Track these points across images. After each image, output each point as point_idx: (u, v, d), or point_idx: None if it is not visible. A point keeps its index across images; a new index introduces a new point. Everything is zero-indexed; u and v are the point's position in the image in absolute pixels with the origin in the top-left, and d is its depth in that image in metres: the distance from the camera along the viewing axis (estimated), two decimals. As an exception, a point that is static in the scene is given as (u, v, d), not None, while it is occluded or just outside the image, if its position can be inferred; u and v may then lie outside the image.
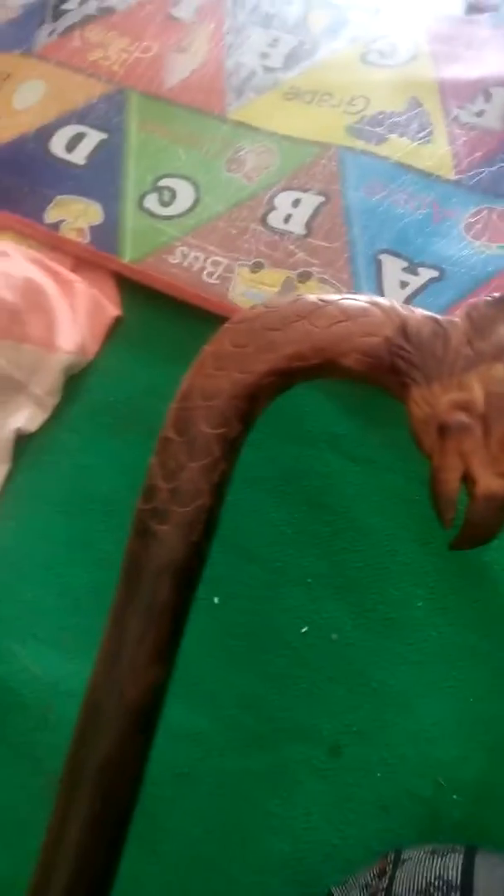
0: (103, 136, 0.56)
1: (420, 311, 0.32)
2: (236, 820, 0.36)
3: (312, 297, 0.32)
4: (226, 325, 0.31)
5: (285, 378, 0.30)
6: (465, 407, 0.30)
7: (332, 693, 0.38)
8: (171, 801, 0.37)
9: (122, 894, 0.28)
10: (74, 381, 0.48)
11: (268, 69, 0.58)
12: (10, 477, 0.46)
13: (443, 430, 0.30)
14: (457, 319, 0.32)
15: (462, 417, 0.30)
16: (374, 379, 0.32)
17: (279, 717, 0.37)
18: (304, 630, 0.39)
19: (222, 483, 0.29)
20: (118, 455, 0.46)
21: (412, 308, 0.32)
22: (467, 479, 0.31)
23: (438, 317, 0.32)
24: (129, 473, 0.45)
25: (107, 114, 0.57)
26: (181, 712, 0.37)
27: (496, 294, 0.33)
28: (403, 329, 0.30)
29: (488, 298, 0.32)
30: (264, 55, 0.59)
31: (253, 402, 0.30)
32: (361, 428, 0.46)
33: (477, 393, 0.30)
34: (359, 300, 0.32)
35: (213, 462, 0.28)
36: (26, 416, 0.46)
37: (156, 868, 0.35)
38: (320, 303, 0.31)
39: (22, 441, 0.46)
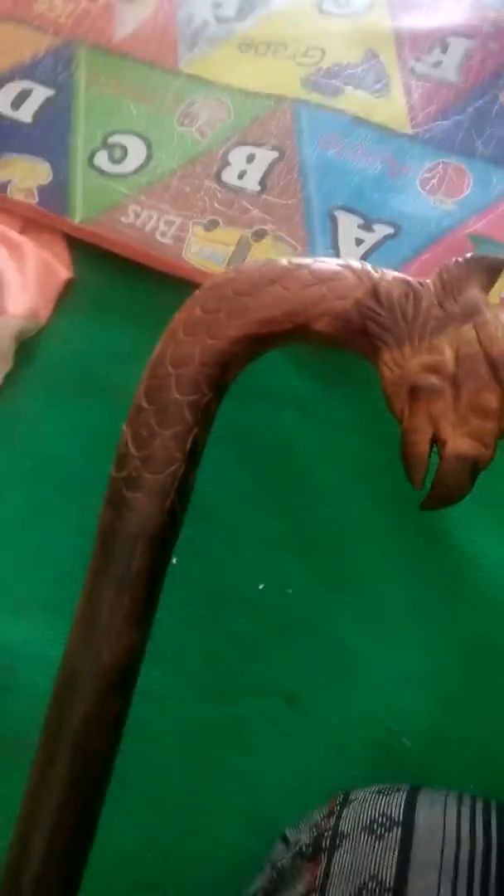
0: (50, 92, 0.54)
1: (392, 273, 0.32)
2: (197, 771, 0.37)
3: (284, 261, 0.31)
4: (196, 291, 0.31)
5: (257, 344, 0.30)
6: (436, 369, 0.30)
7: (289, 647, 0.38)
8: (134, 756, 0.37)
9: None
10: (27, 347, 0.47)
11: (221, 19, 0.56)
12: (-36, 444, 0.45)
13: (413, 392, 0.31)
14: (428, 281, 0.32)
15: (432, 379, 0.30)
16: (346, 342, 0.32)
17: (237, 671, 0.38)
18: (261, 587, 0.40)
19: (195, 450, 0.29)
20: (74, 419, 0.46)
21: (384, 270, 0.32)
22: (437, 441, 0.31)
23: (410, 279, 0.32)
24: (87, 437, 0.46)
25: (54, 68, 0.55)
26: (142, 669, 0.37)
27: (469, 254, 0.33)
28: (375, 291, 0.30)
29: (459, 259, 0.32)
30: (217, 4, 0.57)
31: (224, 369, 0.30)
32: (321, 388, 0.46)
33: (447, 355, 0.30)
34: (330, 263, 0.32)
35: (185, 429, 0.28)
36: (-21, 383, 0.46)
37: (122, 819, 0.36)
38: (291, 266, 0.31)
39: (-25, 408, 0.46)
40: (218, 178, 0.49)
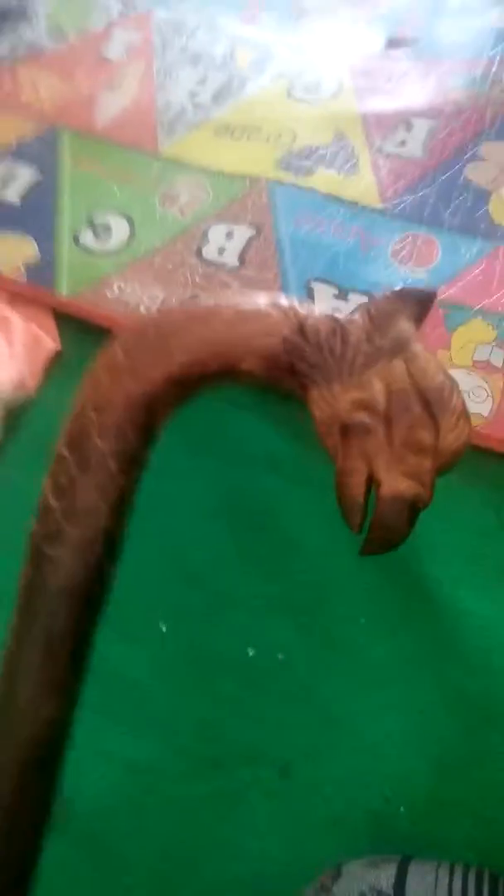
0: (37, 174, 0.56)
1: (319, 311, 0.31)
2: (191, 845, 0.36)
3: (209, 301, 0.30)
4: (118, 334, 0.29)
5: (183, 386, 0.29)
6: (367, 406, 0.29)
7: (281, 713, 0.38)
8: (126, 834, 0.37)
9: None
10: (16, 418, 0.48)
11: (197, 106, 0.60)
12: (-48, 516, 0.45)
13: (344, 430, 0.30)
14: (356, 317, 0.31)
15: (363, 417, 0.29)
16: (275, 381, 0.31)
17: (229, 740, 0.38)
18: (251, 653, 0.40)
19: (122, 501, 0.27)
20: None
21: (311, 307, 0.31)
22: (373, 481, 0.30)
23: (338, 316, 0.31)
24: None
25: (40, 152, 0.58)
26: (131, 742, 0.37)
27: (397, 287, 0.32)
28: (301, 329, 0.29)
29: (387, 293, 0.32)
30: (193, 93, 0.60)
31: (150, 414, 0.28)
32: (299, 449, 0.47)
33: (378, 391, 0.29)
34: (256, 302, 0.31)
35: (108, 478, 0.26)
36: (-33, 454, 0.46)
37: (117, 894, 0.35)
38: (216, 306, 0.30)
39: (-37, 479, 0.46)
40: (198, 254, 0.52)
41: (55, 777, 0.24)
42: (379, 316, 0.30)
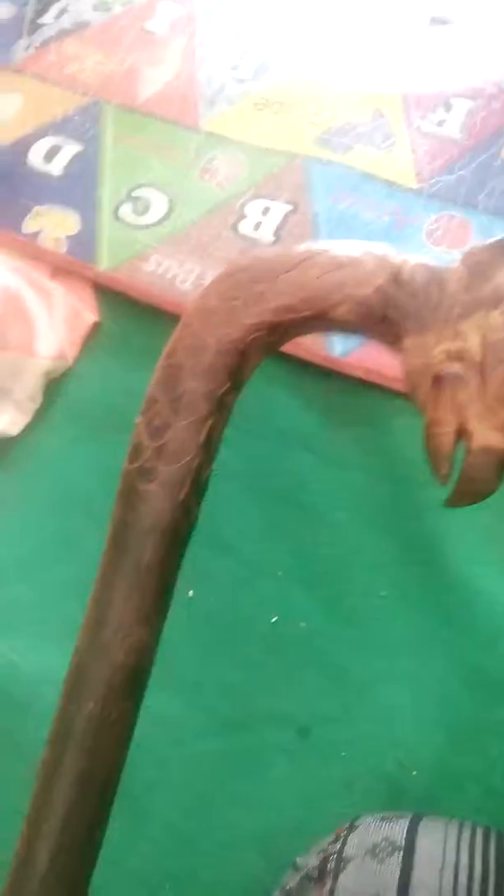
0: (79, 147, 0.57)
1: (415, 258, 0.30)
2: (211, 800, 0.38)
3: (302, 247, 0.30)
4: (211, 280, 0.29)
5: (275, 332, 0.29)
6: (461, 357, 0.28)
7: (301, 678, 0.40)
8: (150, 785, 0.39)
9: (105, 872, 0.30)
10: (54, 386, 0.50)
11: (238, 80, 0.60)
12: (-8, 479, 0.47)
13: (436, 381, 0.29)
14: (455, 266, 0.30)
15: (456, 368, 0.28)
16: (366, 329, 0.30)
17: (251, 702, 0.39)
18: (273, 620, 0.41)
19: (211, 441, 0.28)
20: (97, 457, 0.48)
21: (406, 255, 0.30)
22: (463, 433, 0.29)
23: (434, 264, 0.30)
24: (108, 474, 0.48)
25: (82, 126, 0.59)
26: (158, 698, 0.39)
27: (497, 238, 0.31)
28: (396, 277, 0.29)
29: (486, 242, 0.30)
30: (235, 67, 0.61)
31: (241, 358, 0.28)
32: (330, 427, 0.48)
33: (473, 342, 0.28)
34: (350, 249, 0.30)
35: (200, 420, 0.27)
36: (8, 420, 0.48)
37: (138, 846, 0.37)
38: (310, 253, 0.29)
39: (4, 444, 0.48)
40: (235, 229, 0.52)
41: (139, 701, 0.25)
42: (478, 266, 0.29)
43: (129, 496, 0.26)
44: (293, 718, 0.39)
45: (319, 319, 0.29)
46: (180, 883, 0.36)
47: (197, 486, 0.27)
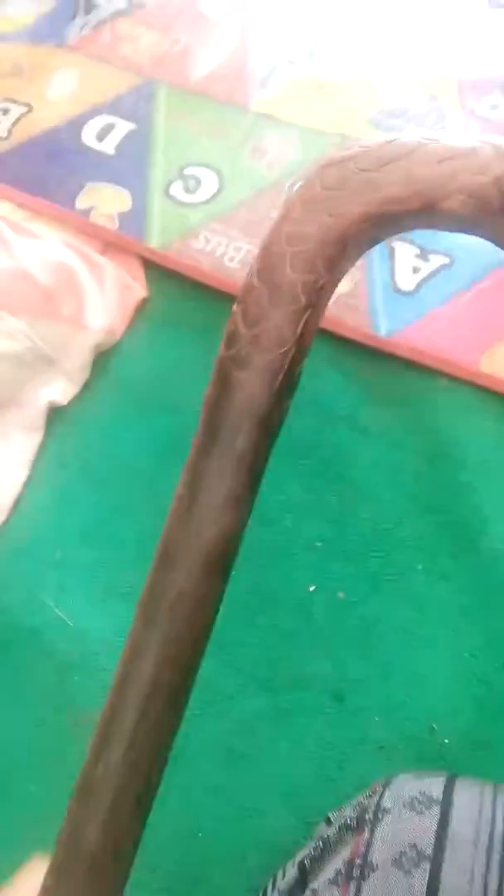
0: (132, 126, 0.59)
1: None
2: (245, 756, 0.39)
3: (414, 135, 0.28)
4: (316, 167, 0.30)
5: (380, 225, 0.28)
6: None
7: (337, 645, 0.41)
8: (185, 737, 0.40)
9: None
10: (103, 359, 0.51)
11: (291, 62, 0.60)
12: (43, 446, 0.49)
13: None
14: None
15: None
16: (478, 224, 0.28)
17: (288, 666, 0.41)
18: (312, 588, 0.42)
19: (306, 334, 0.27)
20: (143, 428, 0.49)
21: None
22: None
23: None
24: (155, 446, 0.49)
25: (135, 105, 0.60)
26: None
27: None
28: None
29: None
30: (288, 48, 0.61)
31: (342, 250, 0.27)
32: (373, 406, 0.49)
33: None
34: (466, 137, 0.28)
35: (298, 310, 0.26)
36: (58, 390, 0.50)
37: (172, 795, 0.39)
38: (423, 140, 0.27)
39: (54, 413, 0.50)
40: (284, 208, 0.53)
41: (225, 583, 0.25)
42: None
43: (223, 383, 0.26)
44: (328, 683, 0.40)
45: (429, 212, 0.28)
46: (211, 831, 0.38)
47: (290, 378, 0.26)
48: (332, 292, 0.28)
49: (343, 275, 0.29)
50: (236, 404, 0.26)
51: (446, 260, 0.51)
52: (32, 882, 0.23)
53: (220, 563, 0.26)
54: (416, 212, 0.28)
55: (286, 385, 0.27)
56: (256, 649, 0.41)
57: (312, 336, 0.27)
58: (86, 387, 0.51)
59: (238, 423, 0.26)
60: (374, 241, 0.29)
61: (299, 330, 0.27)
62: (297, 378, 0.27)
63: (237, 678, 0.41)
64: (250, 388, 0.26)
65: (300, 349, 0.27)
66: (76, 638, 0.42)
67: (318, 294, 0.28)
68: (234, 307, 0.27)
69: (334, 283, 0.28)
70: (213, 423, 0.27)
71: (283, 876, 0.32)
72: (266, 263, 0.27)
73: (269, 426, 0.27)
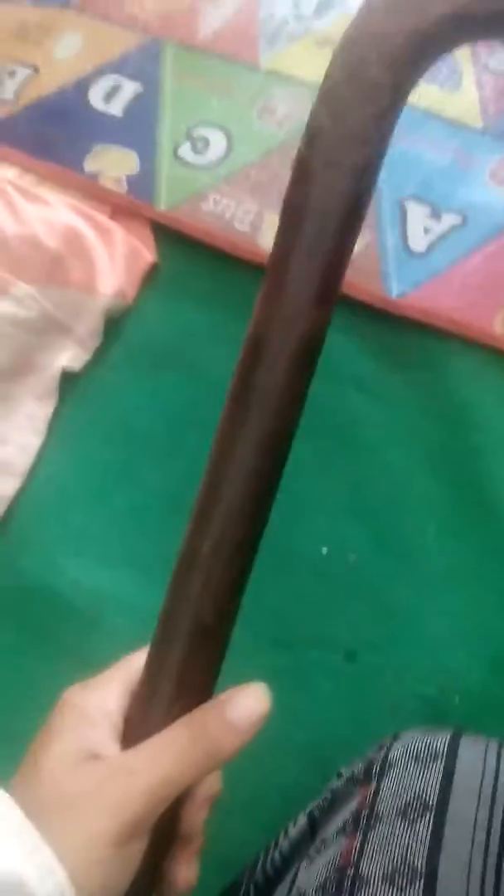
0: (139, 87, 0.58)
1: None
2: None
3: None
4: None
5: (464, 27, 0.27)
6: None
7: (349, 607, 0.41)
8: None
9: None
10: (115, 324, 0.51)
11: (300, 18, 0.59)
12: (56, 412, 0.49)
13: None
14: None
15: None
16: None
17: (300, 626, 0.41)
18: (324, 551, 0.43)
19: (387, 135, 0.27)
20: (156, 392, 0.50)
21: None
22: None
23: None
24: (166, 409, 0.50)
25: (142, 65, 0.59)
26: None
27: None
28: None
29: None
30: (296, 4, 0.59)
31: (424, 51, 0.27)
32: (385, 370, 0.49)
33: None
34: None
35: (381, 111, 0.26)
36: (70, 356, 0.50)
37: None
38: None
39: (67, 379, 0.50)
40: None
41: (311, 377, 0.25)
42: None
43: (305, 181, 0.26)
44: (340, 643, 0.41)
45: None
46: (227, 785, 0.39)
47: (367, 181, 0.26)
48: (409, 94, 0.27)
49: (420, 75, 0.28)
50: (319, 202, 0.26)
51: (459, 220, 0.50)
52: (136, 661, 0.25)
53: (310, 355, 0.25)
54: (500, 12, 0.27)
55: (365, 189, 0.26)
56: (270, 610, 0.42)
57: (389, 140, 0.26)
58: (98, 352, 0.51)
59: (321, 219, 0.25)
60: (455, 44, 0.28)
61: (383, 132, 0.26)
62: (370, 193, 0.26)
63: (252, 638, 0.41)
64: (335, 185, 0.25)
65: (380, 150, 0.26)
66: (93, 599, 0.43)
67: (400, 95, 0.27)
68: (315, 107, 0.26)
69: (413, 85, 0.27)
70: (294, 222, 0.26)
71: (295, 825, 0.33)
72: (349, 61, 0.26)
73: (351, 222, 0.26)
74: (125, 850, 0.21)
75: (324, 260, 0.25)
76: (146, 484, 0.46)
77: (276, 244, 0.26)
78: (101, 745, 0.22)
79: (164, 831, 0.24)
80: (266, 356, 0.25)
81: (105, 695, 0.24)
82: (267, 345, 0.25)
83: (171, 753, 0.22)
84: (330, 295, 0.25)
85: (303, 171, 0.26)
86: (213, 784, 0.26)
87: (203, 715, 0.23)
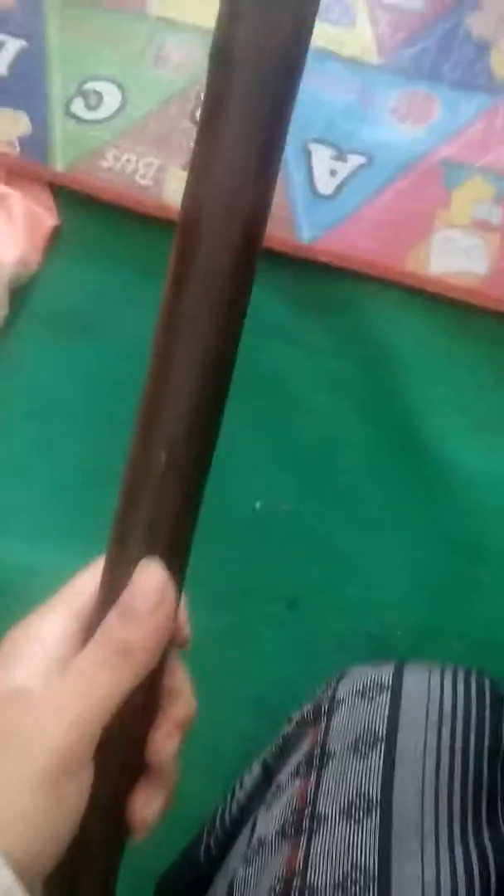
0: (23, 43, 0.55)
1: None
2: (206, 670, 0.39)
3: None
4: None
5: None
6: None
7: (287, 556, 0.41)
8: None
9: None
10: (21, 293, 0.49)
11: (186, -40, 0.57)
12: (-33, 389, 0.47)
13: None
14: None
15: None
16: None
17: (239, 579, 0.41)
18: (258, 506, 0.42)
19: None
20: (70, 361, 0.48)
21: None
22: None
23: None
24: (82, 378, 0.48)
25: (24, 19, 0.55)
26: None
27: None
28: None
29: None
30: None
31: None
32: (302, 316, 0.48)
33: None
34: None
35: None
36: (-23, 331, 0.48)
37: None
38: None
39: (-25, 354, 0.48)
40: (193, 118, 0.51)
41: (253, 270, 0.23)
42: None
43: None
44: (281, 592, 0.40)
45: None
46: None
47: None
48: None
49: None
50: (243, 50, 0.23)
51: (364, 159, 0.49)
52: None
53: (254, 240, 0.22)
54: None
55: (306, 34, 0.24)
56: (206, 566, 0.41)
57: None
58: (6, 323, 0.48)
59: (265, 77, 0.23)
60: None
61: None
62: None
63: (192, 596, 0.41)
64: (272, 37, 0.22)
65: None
66: (22, 576, 0.41)
67: None
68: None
69: None
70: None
71: (250, 775, 0.32)
72: None
73: (289, 74, 0.23)
74: (61, 791, 0.19)
75: (262, 119, 0.22)
76: (67, 456, 0.44)
77: (205, 100, 0.23)
78: (28, 680, 0.20)
79: (120, 761, 0.21)
80: (206, 242, 0.22)
81: (41, 625, 0.22)
82: (206, 226, 0.22)
83: (84, 672, 0.20)
84: (273, 158, 0.23)
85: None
86: (183, 707, 0.24)
87: (106, 621, 0.21)
